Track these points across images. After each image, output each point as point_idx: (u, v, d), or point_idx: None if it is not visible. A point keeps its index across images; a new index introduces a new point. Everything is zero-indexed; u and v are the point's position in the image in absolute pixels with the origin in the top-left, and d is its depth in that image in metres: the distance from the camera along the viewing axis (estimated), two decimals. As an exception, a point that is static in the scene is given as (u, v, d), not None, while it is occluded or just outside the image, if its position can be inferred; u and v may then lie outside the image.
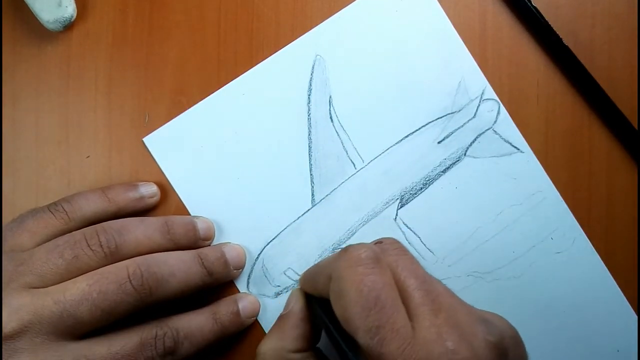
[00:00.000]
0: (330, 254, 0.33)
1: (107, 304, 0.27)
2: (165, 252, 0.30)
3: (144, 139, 0.33)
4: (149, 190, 0.32)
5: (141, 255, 0.29)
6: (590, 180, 0.35)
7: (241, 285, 0.33)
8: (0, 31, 0.33)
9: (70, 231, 0.29)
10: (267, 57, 0.34)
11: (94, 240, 0.28)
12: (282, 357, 0.27)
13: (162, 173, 0.33)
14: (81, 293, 0.27)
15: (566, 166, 0.34)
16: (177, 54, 0.34)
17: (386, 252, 0.26)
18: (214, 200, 0.33)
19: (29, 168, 0.33)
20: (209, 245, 0.32)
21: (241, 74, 0.34)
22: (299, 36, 0.34)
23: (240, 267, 0.33)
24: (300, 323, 0.27)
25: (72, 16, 0.32)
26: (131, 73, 0.34)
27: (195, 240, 0.32)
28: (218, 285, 0.32)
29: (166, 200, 0.33)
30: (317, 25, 0.34)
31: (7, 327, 0.26)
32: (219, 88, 0.34)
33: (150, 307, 0.28)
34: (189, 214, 0.33)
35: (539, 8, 0.34)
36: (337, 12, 0.34)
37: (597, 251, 0.34)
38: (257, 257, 0.33)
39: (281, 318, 0.28)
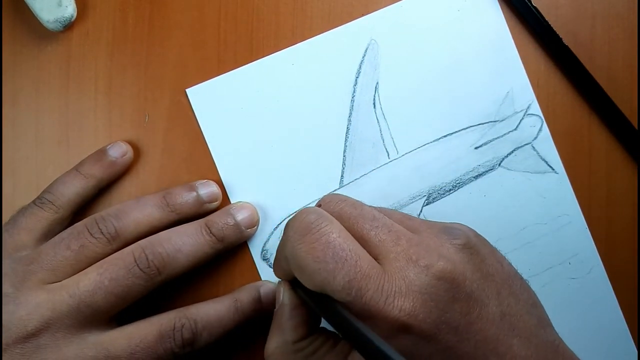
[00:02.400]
0: None
1: (120, 290, 0.28)
2: (171, 229, 0.30)
3: (187, 90, 0.33)
4: (118, 151, 0.32)
5: (146, 234, 0.30)
6: (590, 180, 0.35)
7: (254, 251, 0.33)
8: (0, 31, 0.33)
9: (61, 218, 0.30)
10: (266, 57, 0.34)
11: (95, 229, 0.29)
12: (289, 351, 0.27)
13: (198, 127, 0.33)
14: (94, 283, 0.28)
15: (566, 166, 0.34)
16: (177, 54, 0.34)
17: (328, 206, 0.26)
18: (244, 163, 0.33)
19: (29, 168, 0.33)
20: (217, 208, 0.32)
21: (241, 73, 0.34)
22: (299, 36, 0.34)
23: (253, 226, 0.33)
24: (294, 312, 0.27)
25: (72, 16, 0.32)
26: (131, 73, 0.34)
27: (200, 206, 0.32)
28: (232, 248, 0.32)
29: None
30: (319, 25, 0.34)
31: (29, 326, 0.26)
32: (219, 88, 0.34)
33: (172, 280, 0.29)
34: (218, 172, 0.33)
35: (539, 8, 0.34)
36: (349, 14, 0.34)
37: (598, 253, 0.34)
38: (277, 227, 0.33)
39: (275, 314, 0.28)
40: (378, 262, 0.23)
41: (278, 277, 0.29)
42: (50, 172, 0.33)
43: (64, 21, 0.32)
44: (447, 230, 0.25)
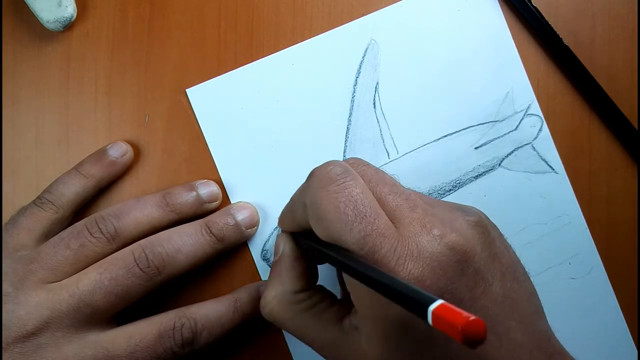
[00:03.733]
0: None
1: (119, 289, 0.28)
2: (171, 229, 0.30)
3: (187, 90, 0.33)
4: (118, 150, 0.32)
5: (146, 234, 0.30)
6: (590, 180, 0.35)
7: (254, 250, 0.33)
8: (0, 31, 0.33)
9: (61, 219, 0.30)
10: (266, 57, 0.34)
11: (95, 228, 0.29)
12: (288, 301, 0.27)
13: (199, 127, 0.33)
14: (93, 282, 0.28)
15: (566, 166, 0.34)
16: (177, 54, 0.34)
17: (352, 166, 0.26)
18: (244, 163, 0.33)
19: (29, 168, 0.33)
20: (217, 208, 0.32)
21: (241, 73, 0.34)
22: (299, 36, 0.34)
23: (254, 226, 0.33)
24: (295, 263, 0.27)
25: (72, 16, 0.32)
26: (131, 73, 0.34)
27: (199, 206, 0.32)
28: (232, 248, 0.32)
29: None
30: (319, 25, 0.34)
31: (28, 325, 0.26)
32: (219, 88, 0.34)
33: (172, 280, 0.29)
34: (218, 172, 0.33)
35: (539, 8, 0.34)
36: (349, 14, 0.34)
37: (598, 253, 0.34)
38: (276, 227, 0.33)
39: (275, 264, 0.28)
40: (392, 224, 0.23)
41: (284, 227, 0.29)
42: (50, 172, 0.33)
43: (64, 21, 0.32)
44: (461, 207, 0.26)
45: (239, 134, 0.33)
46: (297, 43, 0.34)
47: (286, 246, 0.28)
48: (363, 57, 0.34)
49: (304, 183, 0.26)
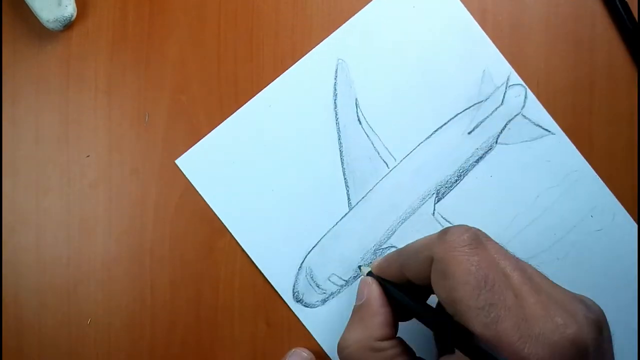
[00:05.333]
0: (373, 255, 0.33)
1: None
2: None
3: (177, 161, 0.33)
4: None
5: None
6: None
7: (286, 295, 0.33)
8: (0, 31, 0.34)
9: None
10: (266, 56, 0.34)
11: None
12: (369, 347, 0.26)
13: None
14: None
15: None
16: (177, 53, 0.34)
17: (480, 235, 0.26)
18: (250, 213, 0.33)
19: (29, 167, 0.33)
20: None
21: (241, 73, 0.34)
22: (299, 34, 0.34)
23: None
24: (381, 310, 0.27)
25: (72, 15, 0.32)
26: (131, 72, 0.34)
27: None
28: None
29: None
30: (319, 24, 0.34)
31: None
32: (219, 87, 0.34)
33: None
34: (229, 230, 0.33)
35: None
36: (349, 13, 0.34)
37: (616, 198, 0.34)
38: (300, 266, 0.33)
39: (358, 309, 0.28)
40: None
41: (384, 273, 0.29)
42: (50, 170, 0.33)
43: (64, 20, 0.32)
44: (583, 300, 0.25)
45: (238, 187, 0.33)
46: (296, 42, 0.34)
47: (375, 291, 0.27)
48: (335, 79, 0.34)
49: (432, 237, 0.26)
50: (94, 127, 0.34)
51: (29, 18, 0.33)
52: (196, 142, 0.33)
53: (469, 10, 0.34)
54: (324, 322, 0.33)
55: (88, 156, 0.33)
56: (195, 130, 0.33)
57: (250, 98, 0.34)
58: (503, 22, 0.34)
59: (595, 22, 0.34)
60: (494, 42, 0.34)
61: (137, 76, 0.34)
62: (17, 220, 0.33)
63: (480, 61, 0.34)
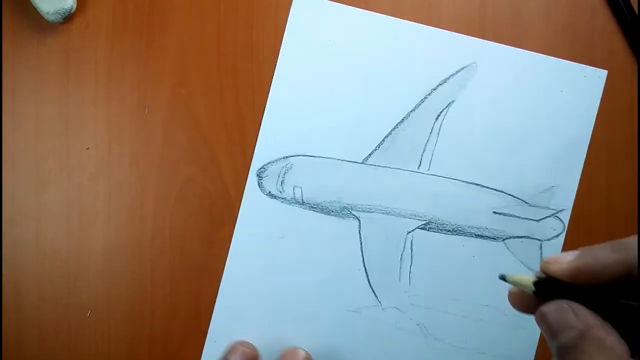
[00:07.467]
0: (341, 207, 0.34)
1: None
2: None
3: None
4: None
5: None
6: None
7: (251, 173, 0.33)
8: (0, 23, 0.34)
9: None
10: (266, 48, 0.34)
11: None
12: None
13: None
14: None
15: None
16: (177, 46, 0.34)
17: None
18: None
19: (29, 160, 0.33)
20: None
21: (241, 65, 0.34)
22: (299, 27, 0.34)
23: None
24: (618, 346, 0.18)
25: (71, 7, 0.33)
26: (131, 65, 0.34)
27: None
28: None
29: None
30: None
31: None
32: (218, 79, 0.34)
33: None
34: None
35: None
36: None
37: None
38: (286, 158, 0.33)
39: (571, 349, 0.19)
40: None
41: (582, 277, 0.20)
42: (50, 163, 0.33)
43: (64, 13, 0.32)
44: None
45: (315, 68, 0.34)
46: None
47: (591, 319, 0.19)
48: (456, 72, 0.34)
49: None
50: (93, 119, 0.34)
51: (29, 10, 0.33)
52: (195, 133, 0.33)
53: (469, 0, 0.34)
54: (264, 213, 0.33)
55: (88, 148, 0.34)
56: (194, 122, 0.33)
57: (250, 89, 0.34)
58: (503, 14, 0.34)
59: (595, 14, 0.34)
60: (492, 34, 0.34)
61: (136, 68, 0.34)
62: (17, 213, 0.33)
63: (559, 176, 0.34)
